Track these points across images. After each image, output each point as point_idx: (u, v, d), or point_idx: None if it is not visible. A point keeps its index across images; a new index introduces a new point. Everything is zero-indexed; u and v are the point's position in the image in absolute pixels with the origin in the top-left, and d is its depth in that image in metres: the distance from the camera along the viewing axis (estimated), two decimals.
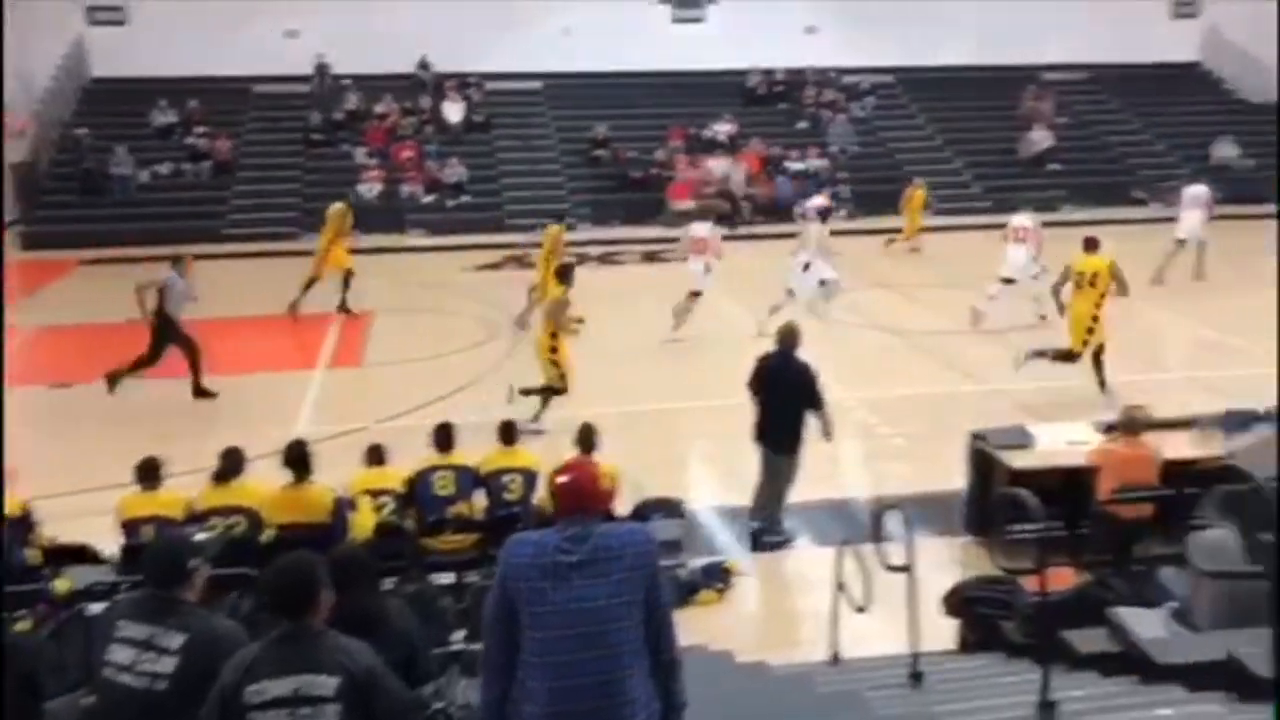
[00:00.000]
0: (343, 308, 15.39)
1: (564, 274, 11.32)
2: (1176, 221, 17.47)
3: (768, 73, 26.37)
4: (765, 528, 8.44)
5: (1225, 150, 24.46)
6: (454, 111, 24.63)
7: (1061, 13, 27.01)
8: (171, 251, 12.65)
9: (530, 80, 25.80)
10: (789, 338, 8.44)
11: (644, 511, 7.51)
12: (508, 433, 7.53)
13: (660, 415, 11.17)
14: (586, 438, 7.36)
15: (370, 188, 22.61)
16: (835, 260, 14.61)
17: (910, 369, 12.87)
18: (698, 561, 7.75)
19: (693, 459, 10.55)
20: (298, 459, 6.89)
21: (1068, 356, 11.32)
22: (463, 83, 25.10)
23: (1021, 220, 14.91)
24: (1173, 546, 5.86)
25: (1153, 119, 26.62)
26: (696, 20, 26.51)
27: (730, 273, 15.76)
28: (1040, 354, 11.44)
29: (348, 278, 15.49)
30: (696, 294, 14.12)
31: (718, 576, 7.70)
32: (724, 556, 8.09)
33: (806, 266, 14.02)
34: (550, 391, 10.74)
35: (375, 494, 7.22)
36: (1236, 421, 8.12)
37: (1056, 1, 26.95)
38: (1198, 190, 17.78)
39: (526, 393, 10.66)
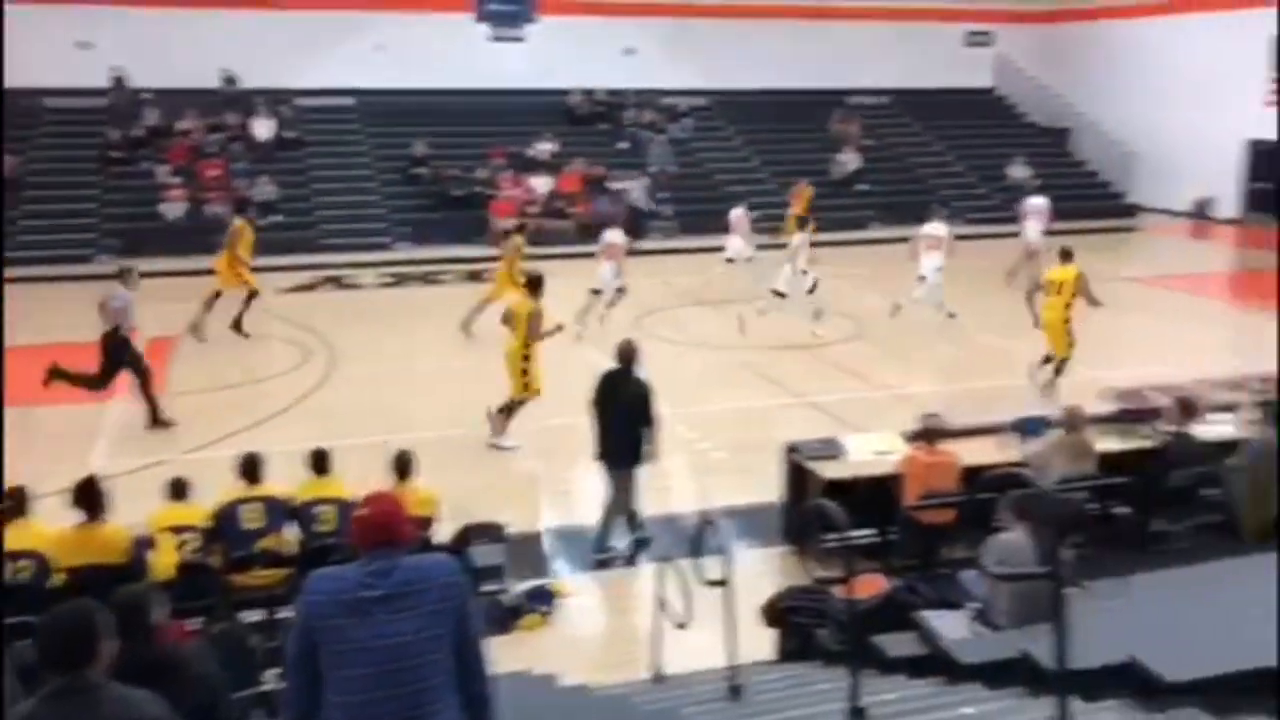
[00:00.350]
0: (235, 326, 14.97)
1: (534, 286, 11.11)
2: (1020, 234, 18.55)
3: (588, 93, 26.57)
4: (643, 537, 8.52)
5: (1018, 171, 26.00)
6: (263, 128, 23.77)
7: (866, 41, 28.37)
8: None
9: (343, 97, 25.25)
10: (628, 353, 8.50)
11: (465, 537, 7.36)
12: (320, 461, 7.26)
13: (484, 436, 11.02)
14: (403, 464, 7.16)
15: (174, 207, 21.57)
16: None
17: (729, 384, 13.12)
18: (521, 585, 7.65)
19: (522, 480, 10.43)
20: (89, 496, 6.49)
21: (1061, 365, 11.98)
22: (273, 99, 24.29)
23: (933, 229, 15.52)
24: (974, 549, 6.12)
25: (952, 141, 28.12)
26: (516, 39, 26.50)
27: (551, 294, 15.75)
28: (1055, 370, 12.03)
29: (215, 298, 15.03)
30: (597, 291, 15.16)
31: (543, 599, 7.63)
32: (550, 579, 8.02)
33: (805, 273, 15.19)
34: (516, 405, 10.77)
35: (177, 530, 6.84)
36: (1030, 426, 8.61)
37: (861, 30, 28.30)
38: (1038, 202, 18.90)
39: (503, 411, 10.78)
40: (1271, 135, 24.24)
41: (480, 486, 9.54)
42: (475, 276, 19.80)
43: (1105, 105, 28.25)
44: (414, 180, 23.81)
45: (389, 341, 15.15)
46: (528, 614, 7.38)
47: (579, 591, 7.95)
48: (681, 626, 5.56)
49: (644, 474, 8.50)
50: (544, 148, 24.72)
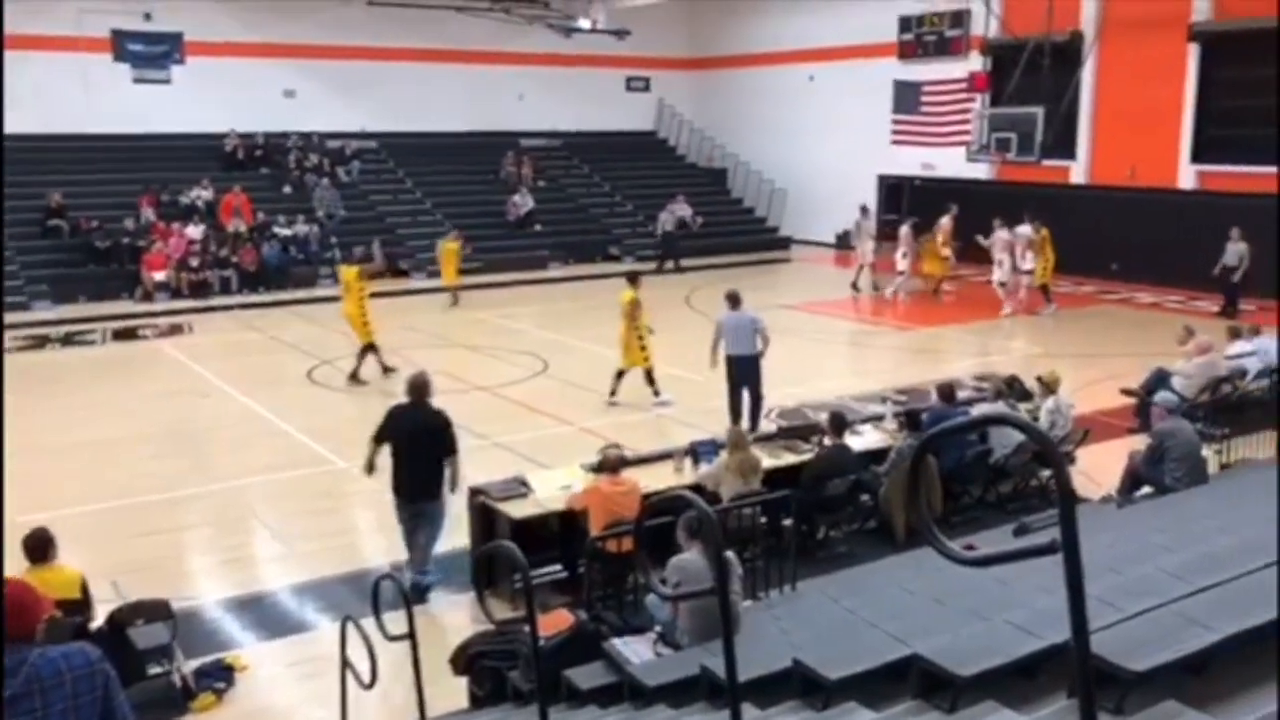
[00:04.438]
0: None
1: (634, 279, 13.52)
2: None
3: (246, 136, 25.41)
4: (422, 575, 8.32)
5: (681, 209, 27.34)
6: None
7: (535, 85, 29.04)
8: None
9: None
10: (420, 387, 8.44)
11: (120, 619, 6.72)
12: None
13: (145, 507, 10.17)
14: (38, 544, 6.39)
15: None
16: None
17: None
18: (192, 664, 7.09)
19: (191, 550, 9.66)
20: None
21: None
22: None
23: (1023, 229, 19.36)
24: (659, 573, 6.29)
25: (619, 182, 29.25)
26: (161, 81, 24.96)
27: (212, 350, 14.92)
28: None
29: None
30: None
31: (218, 676, 7.10)
32: (226, 653, 7.49)
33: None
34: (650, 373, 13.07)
35: None
36: (702, 450, 9.00)
37: (529, 74, 28.93)
38: None
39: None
40: (897, 170, 27.03)
41: (144, 560, 8.81)
42: (127, 334, 18.34)
43: (755, 146, 30.40)
44: (51, 233, 21.77)
45: (25, 411, 13.68)
46: (200, 694, 6.84)
47: (259, 662, 7.47)
48: (367, 687, 5.34)
49: (318, 533, 8.13)
50: (199, 194, 23.35)
